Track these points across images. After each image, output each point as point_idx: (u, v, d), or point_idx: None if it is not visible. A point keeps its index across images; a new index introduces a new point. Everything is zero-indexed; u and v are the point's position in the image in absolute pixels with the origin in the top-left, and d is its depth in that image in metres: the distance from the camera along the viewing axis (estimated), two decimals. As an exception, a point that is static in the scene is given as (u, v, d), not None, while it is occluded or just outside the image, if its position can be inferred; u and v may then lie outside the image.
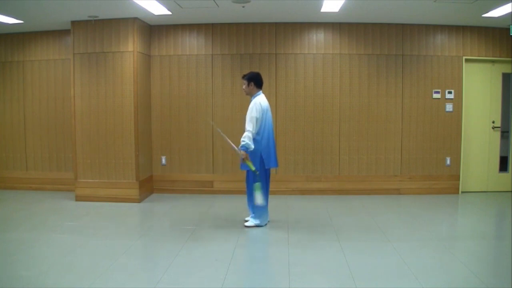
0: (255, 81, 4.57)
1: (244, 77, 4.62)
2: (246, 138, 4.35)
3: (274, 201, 5.64)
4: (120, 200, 5.75)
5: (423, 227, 4.61)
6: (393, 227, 4.59)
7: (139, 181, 5.78)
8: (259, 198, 4.38)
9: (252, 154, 4.46)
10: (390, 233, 4.36)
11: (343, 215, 5.11)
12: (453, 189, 6.17)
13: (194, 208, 5.48)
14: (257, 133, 4.47)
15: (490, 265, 3.71)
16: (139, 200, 5.78)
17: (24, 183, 6.53)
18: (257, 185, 4.38)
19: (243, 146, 4.35)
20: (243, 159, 4.39)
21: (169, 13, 5.36)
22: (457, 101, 6.10)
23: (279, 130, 6.12)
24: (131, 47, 5.62)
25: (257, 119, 4.41)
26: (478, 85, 6.21)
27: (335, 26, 6.05)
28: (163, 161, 6.28)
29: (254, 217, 4.64)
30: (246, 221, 4.70)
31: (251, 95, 4.59)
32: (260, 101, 4.49)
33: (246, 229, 4.56)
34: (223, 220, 4.94)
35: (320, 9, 5.25)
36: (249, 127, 4.38)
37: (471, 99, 6.19)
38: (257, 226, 4.62)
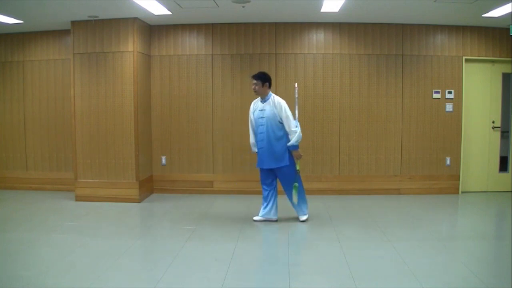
0: (270, 82, 4.65)
1: (256, 77, 4.62)
2: (297, 137, 4.52)
3: (274, 201, 5.65)
4: (120, 200, 5.75)
5: (423, 227, 4.61)
6: (393, 227, 4.59)
7: (139, 181, 5.78)
8: (295, 197, 4.66)
9: (285, 150, 4.58)
10: (390, 233, 4.36)
11: (343, 215, 5.11)
12: (453, 189, 6.17)
13: (194, 208, 5.48)
14: (283, 129, 4.59)
15: (490, 265, 3.71)
16: (139, 200, 5.78)
17: (24, 183, 6.53)
18: (296, 185, 4.64)
19: (295, 145, 4.54)
20: (297, 158, 4.62)
21: (169, 13, 5.37)
22: (457, 101, 6.10)
23: (279, 130, 6.11)
24: (131, 47, 5.62)
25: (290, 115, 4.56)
26: (478, 85, 6.21)
27: (335, 26, 6.05)
28: (163, 161, 6.28)
29: (302, 212, 4.78)
30: (301, 221, 4.79)
31: (261, 95, 4.63)
32: (282, 100, 4.60)
33: (246, 229, 4.56)
34: (223, 220, 4.94)
35: (320, 9, 5.25)
36: (294, 126, 4.52)
37: (471, 99, 6.19)
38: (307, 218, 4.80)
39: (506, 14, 5.21)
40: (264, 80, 4.60)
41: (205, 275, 3.37)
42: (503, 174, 6.34)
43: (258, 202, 5.66)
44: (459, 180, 6.17)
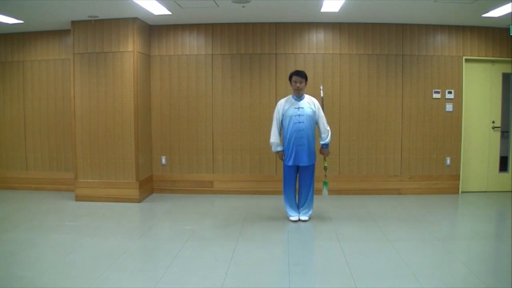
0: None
1: (303, 75, 4.70)
2: (330, 135, 4.87)
3: (274, 201, 5.65)
4: (120, 200, 5.75)
5: (423, 227, 4.61)
6: (393, 227, 4.59)
7: (139, 181, 5.78)
8: (326, 191, 4.96)
9: (315, 148, 4.83)
10: (390, 233, 4.36)
11: (343, 215, 5.11)
12: (453, 189, 6.17)
13: (194, 208, 5.48)
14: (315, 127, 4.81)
15: (490, 265, 3.71)
16: (139, 200, 5.78)
17: (24, 183, 6.53)
18: (326, 181, 4.98)
19: (328, 143, 4.86)
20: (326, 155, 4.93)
21: (169, 13, 5.37)
22: (457, 101, 6.10)
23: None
24: (131, 47, 5.62)
25: None
26: (478, 85, 6.21)
27: (335, 26, 6.05)
28: (163, 161, 6.28)
29: (308, 211, 4.89)
30: (304, 220, 4.86)
31: (301, 93, 4.74)
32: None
33: (246, 229, 4.56)
34: (223, 220, 4.94)
35: (320, 9, 5.25)
36: (327, 125, 4.81)
37: (471, 99, 6.19)
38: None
39: (506, 14, 5.21)
40: (307, 79, 4.75)
41: (205, 275, 3.37)
42: (503, 174, 6.34)
43: (258, 202, 5.67)
44: (459, 180, 6.17)
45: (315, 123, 4.77)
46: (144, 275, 3.43)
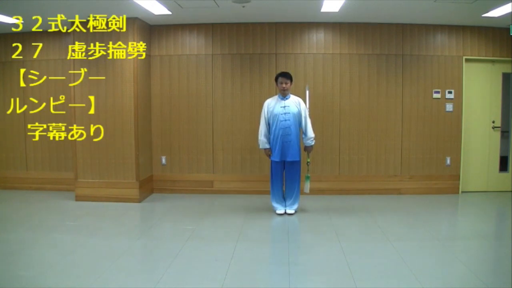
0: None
1: (288, 76, 4.98)
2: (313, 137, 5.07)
3: (274, 201, 5.66)
4: (120, 200, 5.75)
5: (423, 227, 4.61)
6: (393, 227, 4.59)
7: (139, 181, 5.78)
8: (307, 187, 5.15)
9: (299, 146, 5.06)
10: (390, 233, 4.36)
11: (343, 215, 5.11)
12: (453, 189, 6.16)
13: (194, 208, 5.49)
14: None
15: (490, 265, 3.72)
16: (139, 200, 5.78)
17: (24, 183, 6.53)
18: (308, 175, 5.17)
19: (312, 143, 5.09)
20: (309, 152, 5.16)
21: (169, 13, 5.37)
22: (457, 101, 6.10)
23: (279, 130, 6.11)
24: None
25: None
26: (478, 85, 6.21)
27: (335, 26, 6.05)
28: (163, 161, 6.28)
29: (294, 205, 5.10)
30: (290, 214, 5.09)
31: (287, 93, 4.99)
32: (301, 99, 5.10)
33: (246, 229, 4.57)
34: (223, 220, 4.94)
35: (320, 9, 5.25)
36: (313, 133, 5.02)
37: (471, 99, 6.19)
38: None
39: (506, 14, 5.21)
40: (292, 80, 5.02)
41: (205, 275, 3.37)
42: (503, 174, 6.34)
43: (258, 202, 5.68)
44: (459, 180, 6.17)
45: (300, 121, 4.97)
46: (144, 275, 3.44)
